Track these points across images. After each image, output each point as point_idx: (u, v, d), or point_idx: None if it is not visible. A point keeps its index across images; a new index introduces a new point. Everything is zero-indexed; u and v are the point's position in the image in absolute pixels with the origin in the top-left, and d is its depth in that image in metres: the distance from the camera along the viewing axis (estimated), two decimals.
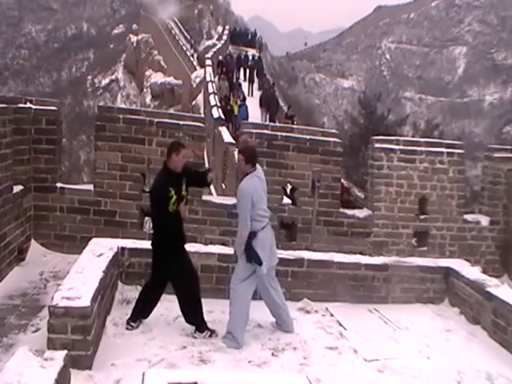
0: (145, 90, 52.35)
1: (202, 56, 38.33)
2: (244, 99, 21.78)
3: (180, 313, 5.63)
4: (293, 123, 18.16)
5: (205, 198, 8.52)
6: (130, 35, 61.62)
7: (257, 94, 27.08)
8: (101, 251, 5.96)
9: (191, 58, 42.79)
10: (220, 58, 32.08)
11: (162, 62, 50.67)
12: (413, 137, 18.07)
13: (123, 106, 53.33)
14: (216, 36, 46.75)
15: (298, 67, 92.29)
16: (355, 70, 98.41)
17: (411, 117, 34.69)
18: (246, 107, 20.33)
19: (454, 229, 9.50)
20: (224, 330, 5.53)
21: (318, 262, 6.87)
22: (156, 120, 8.33)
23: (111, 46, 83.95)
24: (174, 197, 5.23)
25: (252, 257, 5.41)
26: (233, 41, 44.82)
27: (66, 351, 3.92)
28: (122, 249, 6.36)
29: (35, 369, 3.61)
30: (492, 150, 10.25)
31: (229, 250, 6.56)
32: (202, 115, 20.15)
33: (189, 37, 49.23)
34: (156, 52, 53.06)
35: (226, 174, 14.91)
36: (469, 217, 9.79)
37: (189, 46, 46.50)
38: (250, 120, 17.67)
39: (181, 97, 43.02)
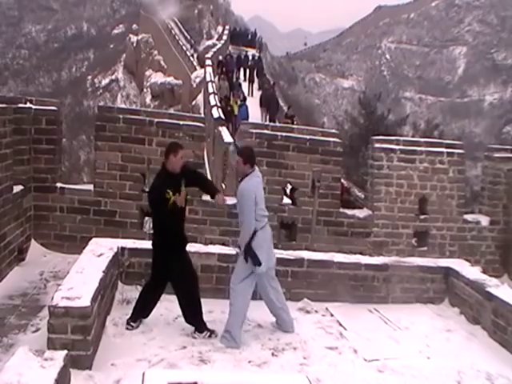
0: (145, 89, 52.35)
1: (202, 56, 38.33)
2: (244, 99, 21.78)
3: (180, 313, 5.64)
4: (293, 123, 18.15)
5: (205, 198, 8.52)
6: (130, 35, 61.62)
7: (257, 94, 27.09)
8: (101, 251, 5.96)
9: (191, 58, 42.78)
10: (220, 58, 32.08)
11: (162, 62, 50.67)
12: (413, 137, 18.06)
13: (123, 105, 53.33)
14: (216, 36, 46.74)
15: (298, 67, 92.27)
16: (355, 70, 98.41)
17: (411, 117, 34.68)
18: (247, 107, 20.33)
19: (454, 229, 9.50)
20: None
21: (317, 261, 6.87)
22: (156, 120, 8.33)
23: (111, 46, 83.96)
24: (172, 198, 5.23)
25: (250, 257, 5.41)
26: (233, 41, 44.81)
27: (65, 351, 3.93)
28: (122, 249, 6.36)
29: (35, 369, 3.61)
30: (492, 149, 10.25)
31: (229, 250, 6.57)
32: (202, 115, 20.16)
33: (189, 37, 49.23)
34: (156, 52, 53.05)
35: (226, 174, 14.91)
36: (469, 217, 9.80)
37: (189, 46, 46.49)
38: (250, 120, 17.68)
39: (181, 97, 43.01)
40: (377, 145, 9.25)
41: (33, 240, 8.05)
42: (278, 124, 14.38)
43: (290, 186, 9.15)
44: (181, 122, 8.42)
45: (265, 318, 6.01)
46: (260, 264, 5.41)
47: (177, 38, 47.56)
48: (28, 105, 7.97)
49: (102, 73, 75.93)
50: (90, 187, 8.42)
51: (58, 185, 8.24)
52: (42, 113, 8.02)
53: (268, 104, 22.08)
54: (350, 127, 24.39)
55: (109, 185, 8.27)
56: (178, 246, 5.53)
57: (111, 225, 8.25)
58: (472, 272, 7.01)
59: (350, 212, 9.22)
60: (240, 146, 7.82)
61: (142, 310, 5.63)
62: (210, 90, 24.80)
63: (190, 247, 5.97)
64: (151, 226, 5.85)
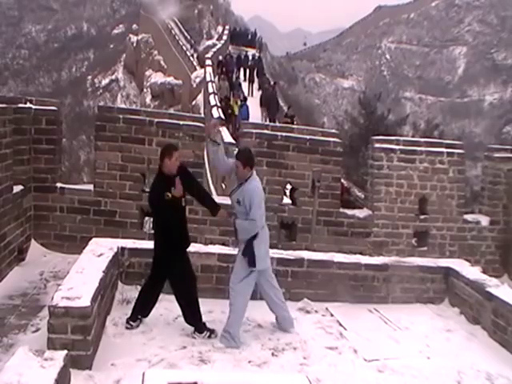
0: (145, 89, 52.35)
1: (202, 56, 38.32)
2: (245, 99, 21.82)
3: (180, 313, 5.64)
4: (293, 123, 18.14)
5: None
6: (130, 35, 61.62)
7: (257, 93, 27.11)
8: (101, 251, 5.96)
9: (191, 58, 42.78)
10: (220, 58, 32.08)
11: (162, 62, 50.66)
12: (413, 137, 18.06)
13: (123, 105, 53.33)
14: (216, 36, 46.75)
15: (297, 67, 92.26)
16: (355, 69, 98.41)
17: (411, 117, 34.67)
18: (247, 107, 20.36)
19: (454, 229, 9.50)
20: None
21: (317, 261, 6.88)
22: (156, 120, 8.33)
23: (111, 46, 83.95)
24: (170, 194, 5.25)
25: (248, 256, 5.41)
26: (233, 41, 44.82)
27: (65, 351, 3.92)
28: (122, 249, 6.37)
29: (35, 369, 3.61)
30: (492, 149, 10.26)
31: (229, 250, 6.56)
32: (202, 115, 20.14)
33: (189, 37, 49.22)
34: (156, 52, 53.05)
35: None
36: (469, 217, 9.80)
37: (189, 46, 46.49)
38: (250, 120, 17.69)
39: (181, 97, 43.01)
40: (377, 145, 9.25)
41: (33, 240, 8.05)
42: (277, 124, 14.38)
43: (290, 186, 9.15)
44: (181, 122, 8.43)
45: (265, 318, 6.01)
46: (254, 266, 5.42)
47: (177, 37, 47.56)
48: (28, 105, 7.98)
49: (102, 73, 75.93)
50: (90, 187, 8.42)
51: (58, 185, 8.24)
52: (41, 113, 8.02)
53: (268, 104, 22.11)
54: (349, 127, 24.37)
55: (109, 185, 8.27)
56: (181, 246, 5.54)
57: (111, 225, 8.25)
58: (472, 272, 7.01)
59: (349, 212, 9.22)
60: (238, 148, 7.78)
61: (141, 309, 5.64)
62: (210, 90, 24.79)
63: (190, 247, 5.97)
64: (151, 226, 5.85)
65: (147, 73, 52.87)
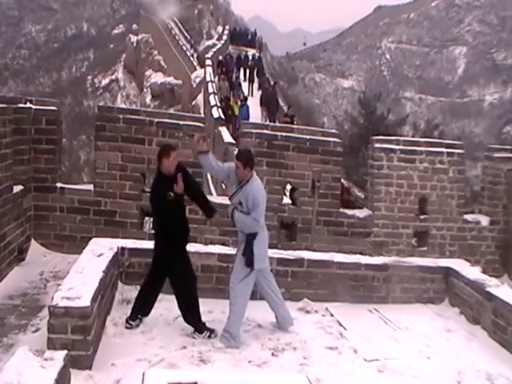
0: (145, 89, 52.35)
1: (202, 56, 38.33)
2: (245, 99, 21.86)
3: (180, 313, 5.64)
4: (293, 123, 18.14)
5: None
6: (130, 35, 61.61)
7: (257, 93, 27.11)
8: (101, 251, 5.96)
9: (191, 58, 42.79)
10: (220, 58, 32.09)
11: (162, 62, 50.66)
12: (413, 137, 18.05)
13: (123, 105, 53.32)
14: (216, 36, 46.75)
15: (297, 67, 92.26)
16: (355, 70, 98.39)
17: (411, 117, 34.68)
18: (247, 107, 20.39)
19: (454, 229, 9.50)
20: None
21: (317, 261, 6.88)
22: (156, 120, 8.33)
23: (111, 46, 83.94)
24: (172, 194, 5.26)
25: (247, 256, 5.41)
26: (233, 41, 44.82)
27: (65, 351, 3.92)
28: (122, 249, 6.37)
29: (35, 369, 3.61)
30: (492, 149, 10.26)
31: (229, 250, 6.56)
32: (202, 115, 20.16)
33: (189, 37, 49.22)
34: (156, 52, 53.05)
35: None
36: (469, 217, 9.80)
37: (189, 46, 46.50)
38: (250, 120, 17.70)
39: (181, 97, 43.01)
40: (377, 145, 9.25)
41: (33, 240, 8.05)
42: (278, 124, 14.38)
43: (290, 186, 9.15)
44: (181, 122, 8.43)
45: (265, 318, 6.01)
46: (252, 266, 5.42)
47: (177, 37, 47.56)
48: (28, 105, 7.97)
49: (102, 73, 75.92)
50: (90, 187, 8.42)
51: (58, 185, 8.24)
52: (41, 113, 8.02)
53: (268, 103, 22.15)
54: (349, 127, 24.37)
55: (109, 185, 8.27)
56: (182, 246, 5.54)
57: (111, 225, 8.25)
58: (472, 272, 7.01)
59: (349, 212, 9.22)
60: (238, 149, 7.78)
61: (141, 309, 5.64)
62: (210, 90, 24.81)
63: (190, 247, 5.98)
64: (151, 226, 5.86)
65: (147, 73, 52.87)
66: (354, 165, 18.09)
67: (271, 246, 6.85)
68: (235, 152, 7.65)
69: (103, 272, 5.35)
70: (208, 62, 31.73)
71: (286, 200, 9.11)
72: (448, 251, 9.40)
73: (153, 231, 5.76)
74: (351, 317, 6.39)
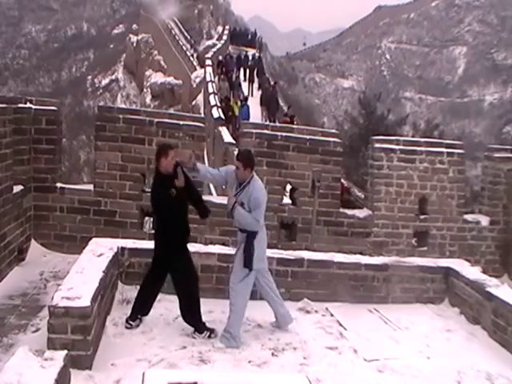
0: (145, 89, 52.36)
1: (202, 56, 38.33)
2: (246, 99, 21.88)
3: (180, 312, 5.64)
4: (292, 123, 18.14)
5: (205, 197, 8.50)
6: (130, 35, 61.62)
7: (257, 93, 27.12)
8: (101, 251, 5.96)
9: (191, 58, 42.79)
10: (220, 58, 32.09)
11: (162, 62, 50.67)
12: (413, 137, 18.05)
13: (123, 106, 53.33)
14: (216, 36, 46.76)
15: (298, 67, 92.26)
16: (355, 70, 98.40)
17: (411, 117, 34.67)
18: (248, 107, 20.40)
19: (454, 229, 9.50)
20: None
21: (317, 261, 6.88)
22: (156, 120, 8.34)
23: (111, 46, 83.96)
24: (174, 190, 5.26)
25: (248, 256, 5.40)
26: (233, 41, 44.82)
27: (66, 351, 3.92)
28: (122, 249, 6.37)
29: (35, 369, 3.61)
30: (492, 149, 10.26)
31: (229, 250, 6.56)
32: (202, 115, 20.15)
33: (189, 37, 49.23)
34: (156, 52, 53.06)
35: None
36: (469, 217, 9.80)
37: (189, 46, 46.50)
38: (250, 120, 17.70)
39: (181, 97, 43.02)
40: (377, 145, 9.25)
41: (33, 240, 8.05)
42: (277, 124, 14.37)
43: (290, 186, 9.15)
44: (181, 122, 8.43)
45: (265, 318, 6.01)
46: (249, 267, 5.41)
47: (177, 37, 47.56)
48: (28, 105, 7.97)
49: (102, 73, 75.92)
50: (90, 187, 8.42)
51: (58, 185, 8.24)
52: (41, 113, 8.02)
53: (268, 103, 22.18)
54: (349, 127, 24.36)
55: (109, 185, 8.27)
56: (183, 245, 5.54)
57: (111, 225, 8.25)
58: (472, 272, 7.01)
59: (350, 212, 9.22)
60: (238, 149, 7.75)
61: (141, 308, 5.64)
62: (210, 90, 24.80)
63: (190, 247, 5.98)
64: (151, 226, 5.86)
65: (147, 73, 52.88)
66: (353, 165, 18.09)
67: (271, 246, 6.86)
68: (235, 152, 7.65)
69: (103, 272, 5.35)
70: (208, 61, 31.73)
71: (286, 200, 9.11)
72: (448, 251, 9.40)
73: (153, 231, 5.76)
74: (351, 317, 6.39)
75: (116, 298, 6.09)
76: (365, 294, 6.92)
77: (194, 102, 34.93)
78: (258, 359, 5.21)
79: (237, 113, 19.95)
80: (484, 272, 7.29)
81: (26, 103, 7.99)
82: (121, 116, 8.28)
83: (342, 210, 9.12)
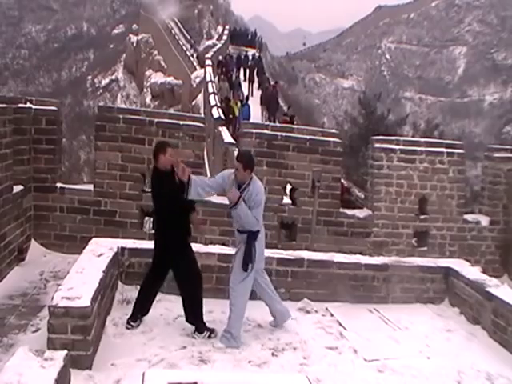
0: (145, 89, 52.35)
1: (202, 56, 38.33)
2: (247, 98, 21.92)
3: (180, 313, 5.65)
4: (292, 123, 18.14)
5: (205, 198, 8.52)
6: (130, 35, 61.62)
7: (257, 93, 27.13)
8: (101, 251, 5.96)
9: (191, 58, 42.78)
10: (220, 58, 32.09)
11: (162, 62, 50.67)
12: (413, 137, 18.06)
13: (123, 106, 53.32)
14: (216, 36, 46.77)
15: (298, 67, 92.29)
16: (355, 70, 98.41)
17: (411, 117, 34.69)
18: (249, 107, 20.42)
19: (454, 229, 9.50)
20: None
21: (317, 261, 6.87)
22: (156, 120, 8.33)
23: (111, 46, 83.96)
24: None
25: (249, 256, 5.40)
26: (233, 41, 44.84)
27: (66, 351, 3.92)
28: (122, 249, 6.37)
29: (35, 369, 3.61)
30: (492, 149, 10.26)
31: (229, 250, 6.56)
32: (202, 115, 20.15)
33: (189, 37, 49.23)
34: (156, 52, 53.05)
35: None
36: (469, 217, 9.80)
37: (189, 46, 46.49)
38: (251, 120, 17.71)
39: (181, 97, 43.02)
40: (377, 145, 9.25)
41: (33, 240, 8.05)
42: (277, 124, 14.37)
43: (289, 186, 9.15)
44: (181, 122, 8.43)
45: (265, 318, 6.01)
46: (247, 269, 5.40)
47: (177, 37, 47.56)
48: (28, 105, 7.97)
49: (102, 73, 75.93)
50: (90, 187, 8.42)
51: (58, 185, 8.24)
52: (41, 113, 8.02)
53: (268, 103, 22.20)
54: (349, 127, 24.38)
55: (109, 185, 8.27)
56: (184, 245, 5.54)
57: (111, 225, 8.25)
58: (472, 272, 7.01)
59: (350, 212, 9.22)
60: (238, 150, 7.74)
61: (141, 308, 5.64)
62: (210, 90, 24.81)
63: None
64: (151, 226, 5.85)
65: (147, 73, 52.88)
66: (354, 165, 18.10)
67: (271, 246, 6.87)
68: (235, 152, 7.65)
69: (103, 272, 5.34)
70: (208, 62, 31.73)
71: (286, 200, 9.11)
72: (448, 251, 9.40)
73: (153, 231, 5.75)
74: (351, 317, 6.39)
75: (116, 298, 6.09)
76: (365, 294, 6.92)
77: (194, 102, 34.93)
78: (258, 359, 5.21)
79: (237, 113, 19.95)
80: (484, 272, 7.29)
81: (26, 103, 7.99)
82: (121, 116, 8.28)
83: (341, 210, 9.12)
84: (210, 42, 43.16)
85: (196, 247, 6.52)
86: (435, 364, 5.50)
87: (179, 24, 51.40)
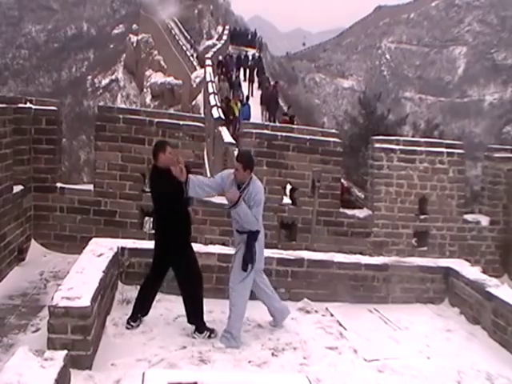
0: (145, 89, 52.36)
1: (202, 56, 38.33)
2: (247, 98, 21.93)
3: (180, 313, 5.64)
4: (292, 123, 18.14)
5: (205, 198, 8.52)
6: (130, 35, 61.63)
7: (257, 93, 27.15)
8: (101, 251, 5.96)
9: (191, 58, 42.79)
10: (220, 58, 32.09)
11: (162, 62, 50.68)
12: (413, 137, 18.06)
13: (123, 106, 53.32)
14: (216, 36, 46.78)
15: (297, 67, 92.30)
16: (355, 70, 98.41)
17: (411, 117, 34.70)
18: (249, 107, 20.42)
19: (454, 229, 9.50)
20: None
21: (317, 261, 6.87)
22: (156, 120, 8.33)
23: (111, 46, 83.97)
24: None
25: (249, 256, 5.39)
26: (233, 41, 44.85)
27: (65, 351, 3.92)
28: (122, 249, 6.37)
29: (35, 369, 3.61)
30: (492, 149, 10.26)
31: (229, 250, 6.57)
32: (202, 115, 20.15)
33: (189, 37, 49.23)
34: (156, 52, 53.06)
35: None
36: (469, 217, 9.80)
37: (189, 46, 46.50)
38: (251, 120, 17.71)
39: (181, 97, 43.02)
40: (377, 145, 9.25)
41: (33, 240, 8.05)
42: (277, 124, 14.37)
43: (289, 186, 9.15)
44: (181, 122, 8.42)
45: (265, 318, 6.01)
46: (246, 269, 5.40)
47: (177, 37, 47.57)
48: (28, 105, 7.97)
49: (102, 73, 75.93)
50: (90, 187, 8.42)
51: (58, 185, 8.24)
52: (41, 113, 8.02)
53: (268, 103, 22.22)
54: (349, 127, 24.37)
55: (109, 185, 8.27)
56: (186, 245, 5.54)
57: (111, 225, 8.25)
58: (472, 272, 7.01)
59: (350, 212, 9.22)
60: (238, 150, 7.74)
61: (141, 308, 5.64)
62: (210, 90, 24.81)
63: None
64: (151, 226, 5.84)
65: (147, 73, 52.88)
66: (354, 165, 18.10)
67: (271, 246, 6.87)
68: (235, 152, 7.65)
69: (103, 272, 5.34)
70: (208, 62, 31.74)
71: (286, 200, 9.11)
72: (448, 251, 9.40)
73: (153, 231, 5.75)
74: (351, 317, 6.39)
75: (116, 298, 6.09)
76: (365, 294, 6.92)
77: (194, 102, 34.94)
78: (258, 359, 5.21)
79: (237, 113, 19.95)
80: (484, 272, 7.29)
81: (26, 103, 7.99)
82: (121, 116, 8.28)
83: (341, 210, 9.12)
84: (209, 42, 43.17)
85: (196, 247, 6.52)
86: (435, 364, 5.50)
87: (179, 24, 51.40)
